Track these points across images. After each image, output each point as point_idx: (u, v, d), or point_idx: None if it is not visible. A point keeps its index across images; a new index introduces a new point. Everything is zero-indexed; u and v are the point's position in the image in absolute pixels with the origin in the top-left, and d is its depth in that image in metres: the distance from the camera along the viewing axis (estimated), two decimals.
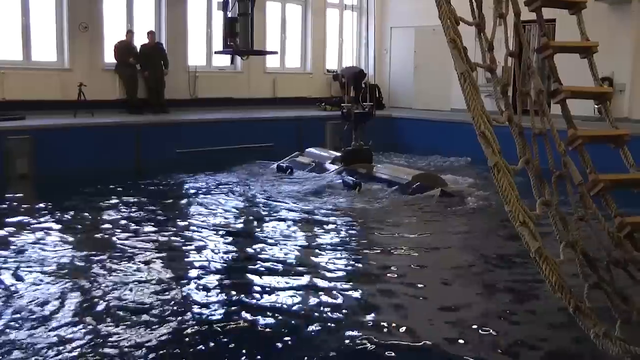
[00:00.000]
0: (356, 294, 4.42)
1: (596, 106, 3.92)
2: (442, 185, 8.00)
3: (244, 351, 3.50)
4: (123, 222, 6.51)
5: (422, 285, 4.61)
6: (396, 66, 15.54)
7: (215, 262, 5.11)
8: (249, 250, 5.46)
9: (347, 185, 8.19)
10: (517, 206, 2.20)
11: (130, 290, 4.41)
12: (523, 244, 2.16)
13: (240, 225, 6.49)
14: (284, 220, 6.48)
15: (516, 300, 4.39)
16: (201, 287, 4.49)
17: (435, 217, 6.89)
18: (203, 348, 3.54)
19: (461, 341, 3.64)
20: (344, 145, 9.37)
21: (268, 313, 4.01)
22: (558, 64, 2.89)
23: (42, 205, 7.08)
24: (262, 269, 4.86)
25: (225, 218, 6.68)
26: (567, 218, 2.56)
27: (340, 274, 4.92)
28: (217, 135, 10.77)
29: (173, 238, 5.84)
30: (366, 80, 13.61)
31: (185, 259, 5.23)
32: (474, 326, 3.85)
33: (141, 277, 4.70)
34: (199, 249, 5.46)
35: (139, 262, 5.10)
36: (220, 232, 5.95)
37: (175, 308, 4.09)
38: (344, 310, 4.05)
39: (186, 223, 6.48)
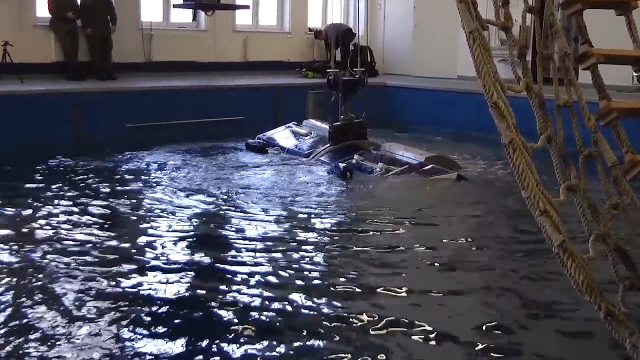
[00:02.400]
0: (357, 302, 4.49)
1: (635, 74, 3.87)
2: (458, 169, 8.13)
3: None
4: (59, 209, 6.48)
5: (436, 290, 4.68)
6: (391, 24, 15.57)
7: (170, 267, 5.07)
8: (210, 252, 5.42)
9: (337, 171, 8.15)
10: (536, 192, 2.18)
11: (70, 293, 4.41)
12: (544, 236, 2.16)
13: (199, 222, 6.40)
14: (253, 218, 6.38)
15: (537, 305, 4.46)
16: (151, 297, 4.51)
17: (450, 205, 7.00)
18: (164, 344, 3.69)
19: (479, 345, 3.77)
20: (331, 120, 9.34)
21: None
22: (588, 22, 2.85)
23: None
24: (228, 276, 4.86)
25: (183, 211, 6.62)
26: (597, 206, 2.55)
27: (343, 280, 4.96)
28: (176, 107, 10.76)
29: (117, 233, 5.85)
30: (356, 42, 13.64)
31: (132, 258, 5.23)
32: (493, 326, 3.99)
33: (80, 274, 4.74)
34: (145, 250, 5.44)
35: (79, 256, 5.12)
36: (176, 234, 5.90)
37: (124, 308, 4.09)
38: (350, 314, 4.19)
39: (134, 217, 6.44)
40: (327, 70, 9.86)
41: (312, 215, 6.43)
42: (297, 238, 5.68)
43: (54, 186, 7.43)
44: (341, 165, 8.24)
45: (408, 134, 11.38)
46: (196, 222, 6.26)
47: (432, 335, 3.88)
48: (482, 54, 2.39)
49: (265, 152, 9.52)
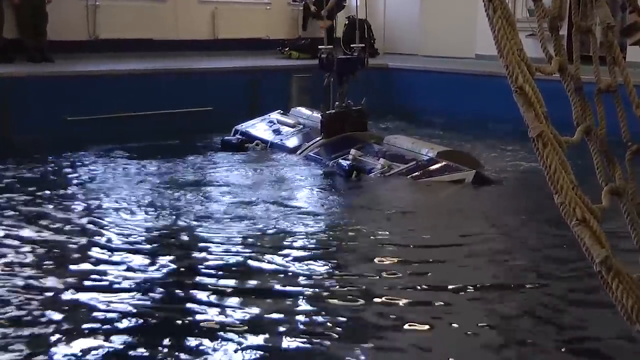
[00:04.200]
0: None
1: None
2: (476, 167, 8.15)
3: None
4: None
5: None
6: None
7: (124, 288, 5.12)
8: (175, 281, 5.44)
9: (340, 170, 8.22)
10: (572, 196, 2.16)
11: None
12: (583, 250, 2.17)
13: (158, 236, 6.37)
14: (225, 240, 6.29)
15: (575, 334, 4.55)
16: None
17: (466, 216, 7.03)
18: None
19: None
20: (323, 108, 9.39)
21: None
22: None
23: None
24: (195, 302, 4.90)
25: (136, 220, 6.62)
26: None
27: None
28: (129, 96, 10.77)
29: (54, 248, 5.90)
30: (350, 14, 13.67)
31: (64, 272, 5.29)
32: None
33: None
34: (86, 260, 5.51)
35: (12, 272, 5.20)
36: (128, 246, 5.91)
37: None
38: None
39: (77, 227, 6.44)
40: (319, 47, 9.89)
41: (295, 233, 6.42)
42: (274, 262, 5.69)
43: None
44: (345, 163, 8.24)
45: (414, 125, 11.46)
46: (156, 246, 6.16)
47: None
48: (505, 27, 2.34)
49: (245, 149, 9.55)
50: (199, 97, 11.27)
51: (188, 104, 11.16)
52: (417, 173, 8.09)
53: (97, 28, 12.89)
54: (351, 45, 10.34)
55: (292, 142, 9.54)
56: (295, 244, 6.09)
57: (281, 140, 9.65)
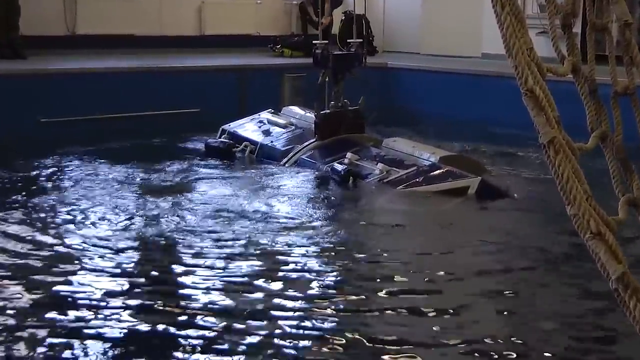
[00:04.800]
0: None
1: None
2: (482, 173, 8.12)
3: None
4: None
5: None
6: None
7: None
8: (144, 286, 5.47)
9: (335, 175, 8.19)
10: (586, 208, 2.16)
11: None
12: (597, 266, 2.16)
13: (132, 248, 6.35)
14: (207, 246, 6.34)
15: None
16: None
17: (467, 226, 7.07)
18: None
19: None
20: (318, 107, 9.36)
21: None
22: None
23: None
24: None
25: (111, 233, 6.58)
26: None
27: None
28: (108, 97, 10.76)
29: (19, 259, 5.88)
30: (347, 9, 13.70)
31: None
32: None
33: None
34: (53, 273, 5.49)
35: None
36: (98, 262, 5.87)
37: None
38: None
39: (46, 238, 6.41)
40: (314, 42, 9.86)
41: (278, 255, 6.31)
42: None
43: None
44: (340, 167, 8.22)
45: (415, 129, 11.44)
46: (129, 260, 6.13)
47: None
48: (514, 24, 2.33)
49: (232, 154, 9.50)
50: (184, 98, 11.27)
51: (172, 106, 11.15)
52: (417, 179, 8.06)
53: (74, 23, 12.89)
54: (348, 41, 10.33)
55: (283, 144, 9.51)
56: (280, 262, 6.04)
57: (272, 142, 9.62)
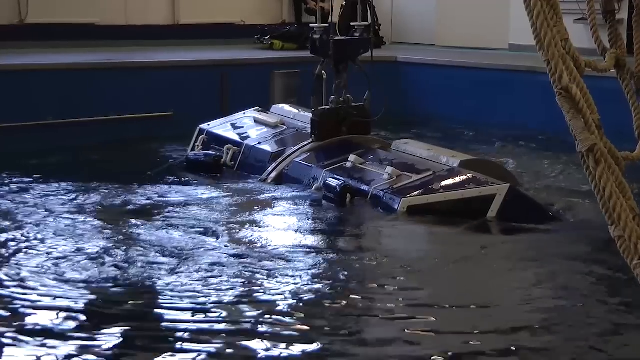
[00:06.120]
0: None
1: None
2: (510, 181, 7.83)
3: None
4: None
5: None
6: None
7: None
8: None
9: (331, 193, 7.81)
10: (633, 228, 2.21)
11: None
12: None
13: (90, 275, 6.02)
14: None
15: None
16: None
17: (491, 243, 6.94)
18: None
19: None
20: (315, 103, 9.02)
21: None
22: None
23: None
24: None
25: (64, 265, 6.17)
26: None
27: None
28: (64, 97, 10.46)
29: None
30: None
31: None
32: None
33: None
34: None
35: None
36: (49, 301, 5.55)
37: None
38: None
39: None
40: (311, 26, 9.52)
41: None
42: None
43: None
44: (335, 182, 7.83)
45: (428, 132, 11.27)
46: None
47: None
48: (546, 11, 2.39)
49: (220, 168, 8.97)
50: (155, 99, 10.99)
51: (141, 108, 10.85)
52: (433, 186, 7.71)
53: (28, 10, 12.45)
54: (352, 24, 9.90)
55: (273, 145, 9.10)
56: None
57: (259, 143, 9.18)
